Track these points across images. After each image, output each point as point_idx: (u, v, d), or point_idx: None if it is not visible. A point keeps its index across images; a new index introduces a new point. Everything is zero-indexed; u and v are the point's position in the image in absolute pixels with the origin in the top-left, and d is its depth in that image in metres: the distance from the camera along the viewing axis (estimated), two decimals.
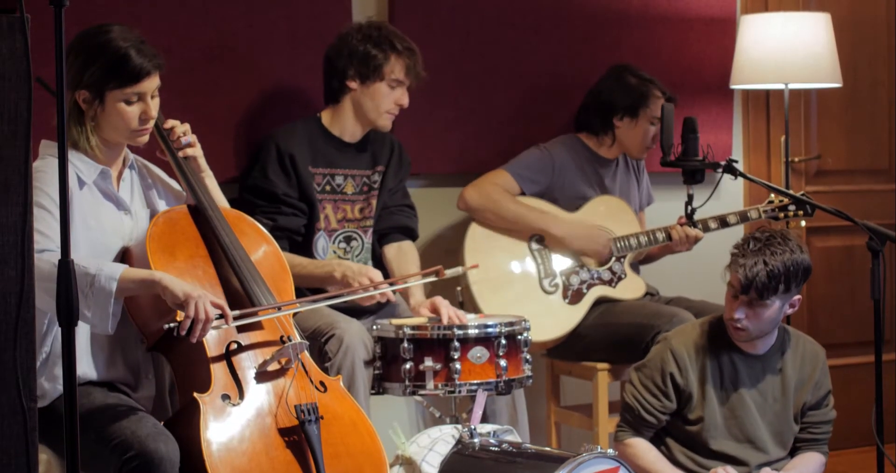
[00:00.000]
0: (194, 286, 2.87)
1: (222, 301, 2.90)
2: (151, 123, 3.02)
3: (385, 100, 3.80)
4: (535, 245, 4.18)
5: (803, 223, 4.31)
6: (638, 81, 4.25)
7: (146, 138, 3.04)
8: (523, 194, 4.19)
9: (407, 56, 3.79)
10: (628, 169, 4.43)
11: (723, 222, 4.24)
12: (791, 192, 3.94)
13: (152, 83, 2.97)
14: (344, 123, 3.86)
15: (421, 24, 4.28)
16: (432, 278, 3.50)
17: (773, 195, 4.23)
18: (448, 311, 3.54)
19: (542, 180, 4.20)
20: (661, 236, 4.20)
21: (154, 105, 3.00)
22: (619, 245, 4.20)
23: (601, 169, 4.32)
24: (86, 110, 2.96)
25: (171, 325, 2.83)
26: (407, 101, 3.84)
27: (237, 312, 2.94)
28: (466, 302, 3.88)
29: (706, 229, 4.21)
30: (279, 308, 3.04)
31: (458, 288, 3.78)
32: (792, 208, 4.24)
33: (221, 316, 2.86)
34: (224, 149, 3.96)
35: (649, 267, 4.46)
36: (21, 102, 2.23)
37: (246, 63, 4.01)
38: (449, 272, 3.45)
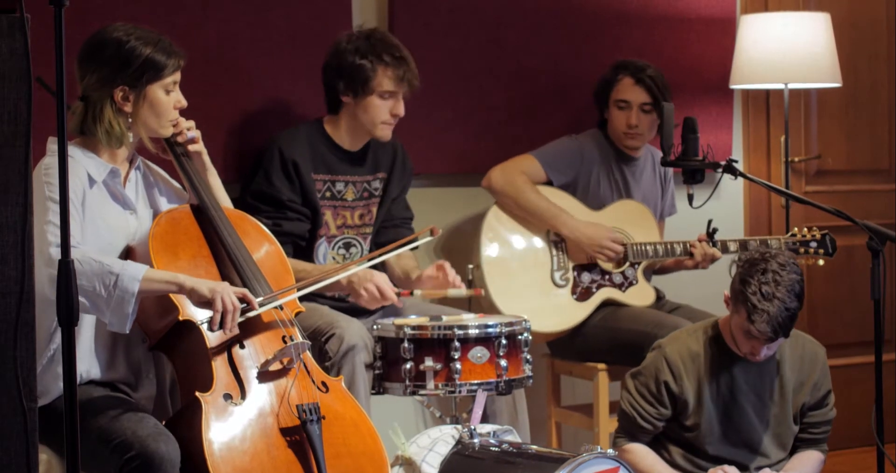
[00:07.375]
0: (216, 282, 2.91)
1: (244, 289, 2.94)
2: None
3: (379, 111, 3.77)
4: (553, 236, 4.18)
5: (821, 262, 4.28)
6: (609, 69, 4.27)
7: (172, 130, 3.14)
8: (549, 182, 4.19)
9: (395, 66, 3.74)
10: (655, 174, 4.41)
11: (743, 246, 4.20)
12: (791, 192, 3.94)
13: (179, 73, 3.11)
14: (343, 133, 3.85)
15: (421, 25, 4.28)
16: (427, 238, 3.49)
17: (796, 228, 4.24)
18: (452, 272, 3.59)
19: (570, 172, 4.22)
20: (678, 248, 4.18)
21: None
22: (635, 250, 4.19)
23: (625, 166, 4.32)
24: (125, 106, 3.03)
25: (202, 321, 2.86)
26: (402, 110, 3.80)
27: (260, 298, 2.97)
28: (476, 281, 3.86)
29: (725, 250, 4.18)
30: (298, 289, 3.10)
31: (470, 266, 3.77)
32: (813, 245, 4.22)
33: (246, 305, 2.91)
34: (224, 150, 3.96)
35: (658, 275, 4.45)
36: (21, 102, 2.23)
37: (246, 64, 4.01)
38: (451, 293, 3.56)
